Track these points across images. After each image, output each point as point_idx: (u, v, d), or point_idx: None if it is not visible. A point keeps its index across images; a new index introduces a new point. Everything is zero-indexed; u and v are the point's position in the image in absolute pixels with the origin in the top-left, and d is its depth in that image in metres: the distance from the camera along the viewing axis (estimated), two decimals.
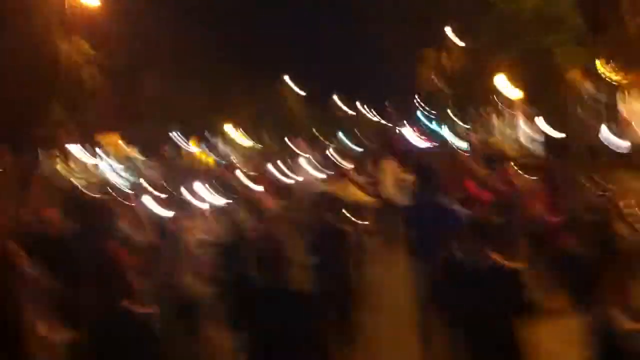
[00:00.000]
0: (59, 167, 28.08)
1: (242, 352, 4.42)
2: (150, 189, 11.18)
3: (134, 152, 35.28)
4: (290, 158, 30.40)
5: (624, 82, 21.98)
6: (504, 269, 4.47)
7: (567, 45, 20.57)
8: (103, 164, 31.30)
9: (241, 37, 41.35)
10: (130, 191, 11.69)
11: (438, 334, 5.50)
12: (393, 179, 12.28)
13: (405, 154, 15.60)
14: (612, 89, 22.75)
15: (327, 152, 30.36)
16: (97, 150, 31.38)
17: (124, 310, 3.75)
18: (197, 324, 6.01)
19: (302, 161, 25.16)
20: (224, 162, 39.23)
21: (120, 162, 33.41)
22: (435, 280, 5.23)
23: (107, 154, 32.80)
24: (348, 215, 6.97)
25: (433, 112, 60.69)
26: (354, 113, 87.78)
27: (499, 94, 33.16)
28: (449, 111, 54.88)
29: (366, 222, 7.26)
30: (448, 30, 38.29)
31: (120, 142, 33.14)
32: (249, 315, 4.17)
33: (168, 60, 32.10)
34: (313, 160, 28.98)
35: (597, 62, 21.25)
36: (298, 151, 38.62)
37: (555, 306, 4.28)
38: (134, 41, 27.54)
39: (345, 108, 78.80)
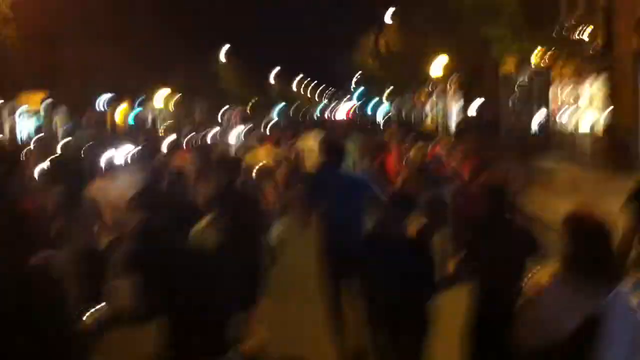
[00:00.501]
0: None
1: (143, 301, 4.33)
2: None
3: (58, 112, 34.03)
4: (222, 128, 29.96)
5: (555, 73, 22.42)
6: (419, 240, 4.45)
7: (504, 36, 20.87)
8: (23, 120, 29.98)
9: (183, 3, 40.27)
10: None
11: (348, 301, 5.53)
12: (308, 150, 12.48)
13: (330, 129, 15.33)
14: (544, 79, 23.19)
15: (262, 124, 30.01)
16: (19, 108, 29.98)
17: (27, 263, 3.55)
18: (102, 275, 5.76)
19: (234, 131, 24.77)
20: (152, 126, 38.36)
21: (41, 120, 32.15)
22: (340, 248, 5.21)
23: (29, 112, 31.45)
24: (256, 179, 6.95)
25: (369, 93, 61.16)
26: (293, 89, 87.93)
27: (433, 78, 33.41)
28: (385, 94, 55.46)
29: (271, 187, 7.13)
30: (387, 15, 38.36)
31: (43, 101, 31.65)
32: (157, 271, 4.14)
33: (99, 23, 30.79)
34: (244, 131, 28.67)
35: (533, 55, 21.64)
36: (232, 122, 38.11)
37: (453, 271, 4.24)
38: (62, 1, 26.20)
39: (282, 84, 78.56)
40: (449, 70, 28.09)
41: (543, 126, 23.23)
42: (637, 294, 3.01)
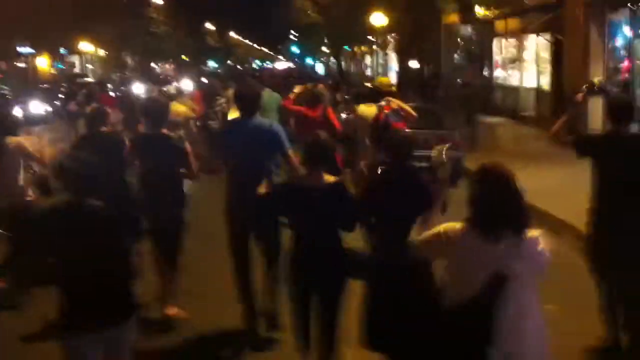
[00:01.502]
0: None
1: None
2: None
3: None
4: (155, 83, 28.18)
5: (499, 25, 21.52)
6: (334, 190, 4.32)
7: None
8: None
9: None
10: None
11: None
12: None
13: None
14: (487, 33, 22.28)
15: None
16: None
17: None
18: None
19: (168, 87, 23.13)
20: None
21: None
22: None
23: None
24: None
25: (307, 45, 59.46)
26: (227, 43, 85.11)
27: (374, 32, 32.17)
28: (323, 47, 53.88)
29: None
30: None
31: None
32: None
33: None
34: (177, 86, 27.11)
35: (476, 8, 20.70)
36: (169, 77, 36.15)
37: None
38: None
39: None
40: (391, 22, 26.89)
41: (487, 80, 22.39)
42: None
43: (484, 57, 22.93)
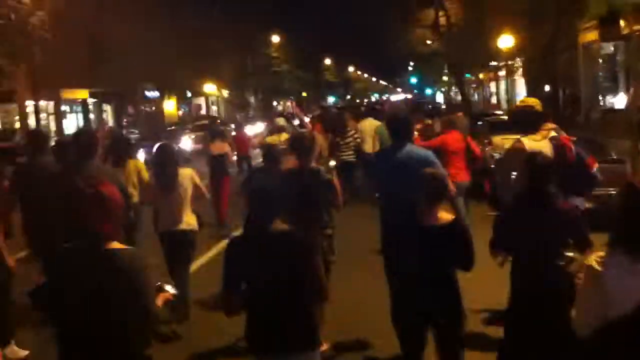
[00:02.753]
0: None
1: None
2: None
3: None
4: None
5: None
6: None
7: None
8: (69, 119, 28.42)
9: None
10: None
11: None
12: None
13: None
14: (636, 49, 19.70)
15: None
16: (63, 107, 28.38)
17: None
18: None
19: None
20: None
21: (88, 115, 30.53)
22: None
23: (74, 110, 29.89)
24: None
25: (428, 76, 57.78)
26: (346, 78, 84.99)
27: (499, 57, 30.05)
28: (444, 76, 52.03)
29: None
30: None
31: (89, 98, 30.02)
32: None
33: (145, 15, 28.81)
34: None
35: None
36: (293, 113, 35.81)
37: None
38: None
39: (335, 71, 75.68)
40: (518, 44, 24.78)
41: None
42: None
43: (630, 76, 20.29)
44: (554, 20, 22.18)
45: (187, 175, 6.40)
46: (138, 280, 2.97)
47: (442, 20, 35.66)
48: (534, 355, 3.94)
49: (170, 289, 3.33)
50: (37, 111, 24.60)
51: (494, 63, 33.95)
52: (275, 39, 51.11)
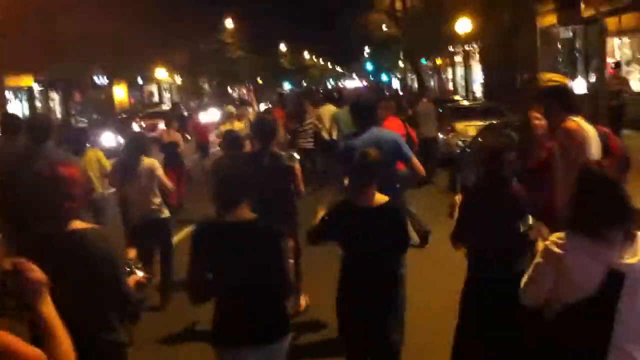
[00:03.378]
0: None
1: None
2: None
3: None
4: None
5: (611, 23, 18.58)
6: None
7: None
8: (13, 107, 26.87)
9: None
10: None
11: None
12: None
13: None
14: (595, 33, 19.37)
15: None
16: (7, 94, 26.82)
17: None
18: None
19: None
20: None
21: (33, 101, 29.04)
22: None
23: (19, 97, 28.32)
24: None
25: (382, 61, 57.19)
26: (302, 64, 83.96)
27: (457, 41, 29.64)
28: (399, 62, 51.49)
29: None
30: None
31: (34, 84, 28.50)
32: None
33: None
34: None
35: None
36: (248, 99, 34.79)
37: None
38: None
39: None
40: (476, 29, 24.34)
41: (596, 88, 19.43)
42: None
43: (589, 60, 19.98)
44: (512, 3, 21.80)
45: (150, 164, 6.46)
46: (105, 260, 2.91)
47: (398, 4, 35.07)
48: (490, 340, 3.90)
49: (140, 272, 3.27)
50: None
51: (450, 49, 33.53)
52: (229, 23, 49.82)
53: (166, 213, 6.51)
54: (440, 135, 14.45)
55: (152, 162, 6.49)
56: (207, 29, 43.67)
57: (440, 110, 15.41)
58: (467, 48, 30.77)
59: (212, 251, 3.41)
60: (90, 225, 3.03)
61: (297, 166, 5.69)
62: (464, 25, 25.19)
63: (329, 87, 70.26)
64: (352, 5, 38.94)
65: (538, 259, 2.95)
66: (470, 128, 13.66)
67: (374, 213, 3.88)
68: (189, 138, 14.54)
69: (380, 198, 3.94)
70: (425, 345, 5.06)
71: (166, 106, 34.34)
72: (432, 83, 41.43)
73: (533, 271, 2.97)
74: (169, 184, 6.66)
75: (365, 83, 66.86)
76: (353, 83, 71.01)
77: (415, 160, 5.30)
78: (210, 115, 29.54)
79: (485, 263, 3.91)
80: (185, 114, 22.81)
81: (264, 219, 3.49)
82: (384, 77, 63.97)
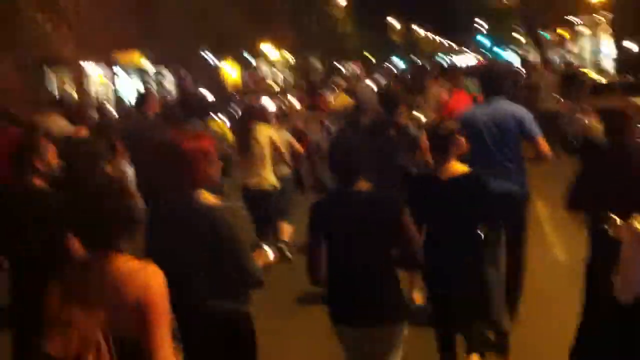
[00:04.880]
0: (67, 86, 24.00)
1: None
2: None
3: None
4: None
5: None
6: None
7: None
8: (121, 81, 27.04)
9: None
10: None
11: None
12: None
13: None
14: None
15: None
16: (115, 68, 26.95)
17: None
18: None
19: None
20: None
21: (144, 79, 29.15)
22: None
23: (127, 72, 28.45)
24: None
25: (497, 34, 53.87)
26: (412, 39, 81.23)
27: (582, 11, 26.74)
28: (515, 34, 48.15)
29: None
30: None
31: (142, 60, 28.53)
32: None
33: None
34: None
35: None
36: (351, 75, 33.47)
37: None
38: None
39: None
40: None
41: None
42: None
43: None
44: None
45: (264, 133, 6.43)
46: (231, 235, 2.88)
47: None
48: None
49: (269, 250, 3.28)
50: (80, 77, 23.30)
51: (574, 19, 30.47)
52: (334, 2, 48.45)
53: (273, 183, 6.59)
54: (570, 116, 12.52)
55: (267, 130, 6.57)
56: (317, 5, 42.68)
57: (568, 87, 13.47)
58: (595, 17, 27.73)
59: (329, 223, 3.29)
60: (218, 200, 2.98)
61: (423, 137, 5.34)
62: None
63: (439, 62, 67.53)
64: None
65: (625, 248, 2.71)
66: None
67: (452, 185, 3.74)
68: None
69: (460, 169, 3.80)
70: None
71: (276, 85, 33.68)
72: (554, 57, 38.24)
73: (623, 262, 2.72)
74: (284, 151, 6.74)
75: (479, 58, 63.59)
76: (465, 58, 67.83)
77: (542, 140, 4.89)
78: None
79: None
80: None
81: (383, 190, 3.37)
82: (503, 53, 60.54)
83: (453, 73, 9.59)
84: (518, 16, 35.82)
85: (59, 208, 3.40)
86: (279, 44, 40.44)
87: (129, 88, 27.83)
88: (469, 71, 13.29)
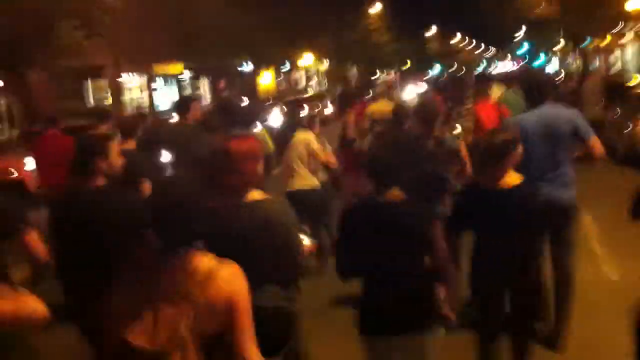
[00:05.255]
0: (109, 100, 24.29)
1: None
2: None
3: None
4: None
5: None
6: None
7: None
8: (163, 90, 27.27)
9: None
10: None
11: None
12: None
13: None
14: None
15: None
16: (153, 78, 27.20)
17: None
18: None
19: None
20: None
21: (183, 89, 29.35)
22: None
23: (168, 83, 28.74)
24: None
25: (538, 43, 52.76)
26: (451, 45, 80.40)
27: (627, 19, 25.85)
28: (559, 44, 47.10)
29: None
30: None
31: (179, 70, 28.71)
32: None
33: None
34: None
35: None
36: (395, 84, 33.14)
37: None
38: None
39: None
40: None
41: None
42: None
43: None
44: None
45: (302, 139, 6.62)
46: (284, 229, 2.99)
47: None
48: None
49: (307, 240, 3.37)
50: (118, 87, 23.46)
51: (618, 28, 29.52)
52: (374, 9, 48.18)
53: (314, 185, 6.76)
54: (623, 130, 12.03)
55: (304, 137, 6.70)
56: (353, 15, 42.44)
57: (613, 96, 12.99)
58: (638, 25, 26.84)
59: (361, 230, 3.29)
60: (269, 198, 3.07)
61: (462, 146, 5.52)
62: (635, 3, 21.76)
63: (481, 70, 66.50)
64: None
65: None
66: None
67: (502, 196, 3.66)
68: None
69: (513, 180, 3.72)
70: None
71: (312, 91, 33.57)
72: (597, 65, 37.19)
73: None
74: (322, 159, 6.80)
75: (517, 65, 62.47)
76: (506, 65, 66.71)
77: (596, 141, 4.66)
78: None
79: None
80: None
81: (417, 200, 3.36)
82: (541, 59, 59.33)
83: (483, 81, 9.07)
84: (560, 25, 34.88)
85: (137, 207, 3.50)
86: (317, 52, 40.37)
87: (167, 98, 28.04)
88: (501, 78, 12.76)
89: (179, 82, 30.41)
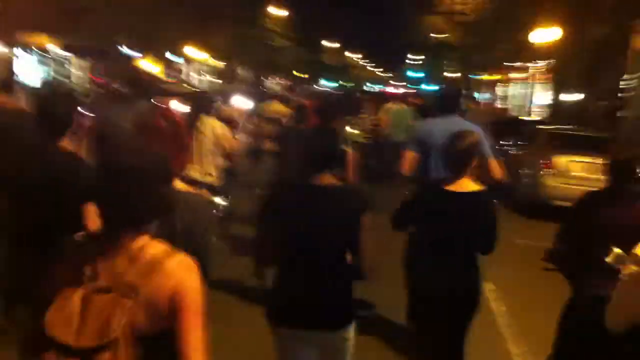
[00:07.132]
0: None
1: None
2: None
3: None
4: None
5: None
6: None
7: None
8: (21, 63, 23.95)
9: None
10: None
11: None
12: None
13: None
14: None
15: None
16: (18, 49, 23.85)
17: None
18: None
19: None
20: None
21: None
22: None
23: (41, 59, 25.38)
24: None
25: (429, 70, 53.16)
26: (345, 63, 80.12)
27: (530, 54, 25.57)
28: (448, 71, 47.48)
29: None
30: None
31: (50, 44, 25.46)
32: None
33: None
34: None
35: None
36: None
37: None
38: None
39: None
40: (559, 41, 20.39)
41: None
42: None
43: None
44: (609, 17, 17.85)
45: (210, 124, 6.18)
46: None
47: (460, 7, 31.13)
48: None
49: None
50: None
51: (514, 64, 29.41)
52: (276, 11, 46.41)
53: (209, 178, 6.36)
54: (523, 171, 10.70)
55: (212, 122, 6.38)
56: (251, 14, 40.55)
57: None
58: (535, 64, 26.67)
59: (285, 213, 3.08)
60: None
61: (350, 152, 5.49)
62: (541, 35, 21.27)
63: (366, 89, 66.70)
64: (410, 5, 35.20)
65: (626, 278, 2.61)
66: (575, 166, 9.85)
67: (463, 199, 3.65)
68: None
69: (472, 185, 3.71)
70: None
71: (191, 87, 31.24)
72: (484, 96, 37.36)
73: (620, 291, 2.59)
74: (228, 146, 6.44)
75: (402, 90, 63.04)
76: (393, 89, 67.26)
77: (495, 162, 4.74)
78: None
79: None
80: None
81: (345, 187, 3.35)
82: (425, 86, 60.13)
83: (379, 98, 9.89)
84: (454, 54, 34.71)
85: (86, 179, 2.98)
86: (209, 49, 37.95)
87: (31, 72, 24.68)
88: (399, 97, 13.88)
89: (48, 59, 27.11)
